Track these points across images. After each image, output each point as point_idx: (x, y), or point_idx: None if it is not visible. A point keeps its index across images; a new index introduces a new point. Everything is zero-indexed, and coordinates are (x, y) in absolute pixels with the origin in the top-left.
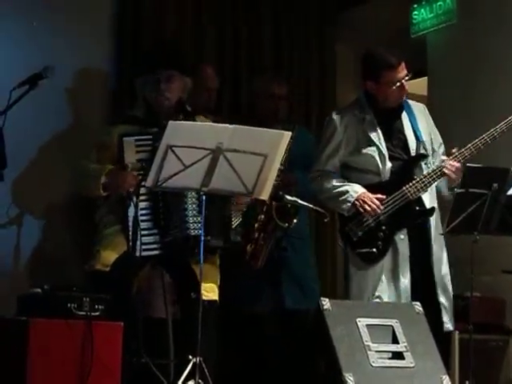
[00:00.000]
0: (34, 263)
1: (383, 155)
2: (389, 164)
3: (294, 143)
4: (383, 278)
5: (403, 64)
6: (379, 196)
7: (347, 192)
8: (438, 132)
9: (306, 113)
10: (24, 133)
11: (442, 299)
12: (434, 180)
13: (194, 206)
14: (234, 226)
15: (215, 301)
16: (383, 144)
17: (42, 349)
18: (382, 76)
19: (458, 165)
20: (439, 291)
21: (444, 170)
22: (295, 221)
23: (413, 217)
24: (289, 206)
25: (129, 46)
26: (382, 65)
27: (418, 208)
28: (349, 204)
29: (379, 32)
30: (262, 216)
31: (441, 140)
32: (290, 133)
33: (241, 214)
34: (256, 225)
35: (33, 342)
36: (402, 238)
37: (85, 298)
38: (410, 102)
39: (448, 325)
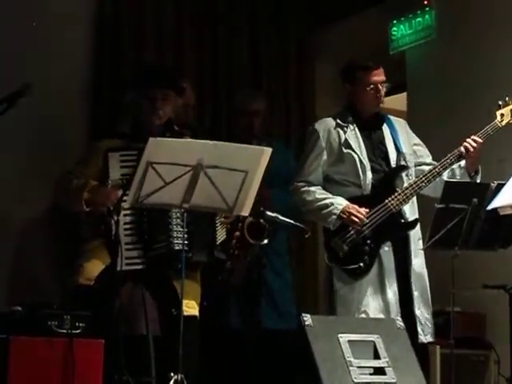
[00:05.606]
0: (11, 280)
1: (364, 165)
2: (369, 175)
3: (271, 160)
4: (369, 292)
5: (381, 70)
6: (363, 209)
7: (331, 205)
8: (422, 143)
9: (286, 128)
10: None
11: (418, 312)
12: (451, 164)
13: (178, 220)
14: (218, 243)
15: (195, 316)
16: (364, 154)
17: (22, 367)
18: (357, 76)
19: (479, 140)
20: (416, 304)
21: (464, 143)
22: (266, 241)
23: (397, 229)
24: (263, 223)
25: (108, 60)
26: (358, 66)
27: (401, 220)
28: (334, 217)
29: (358, 48)
30: (237, 233)
31: (428, 152)
32: (270, 149)
33: (225, 230)
34: (233, 241)
35: (13, 360)
36: (386, 250)
37: (66, 315)
38: (391, 117)
39: (422, 337)
